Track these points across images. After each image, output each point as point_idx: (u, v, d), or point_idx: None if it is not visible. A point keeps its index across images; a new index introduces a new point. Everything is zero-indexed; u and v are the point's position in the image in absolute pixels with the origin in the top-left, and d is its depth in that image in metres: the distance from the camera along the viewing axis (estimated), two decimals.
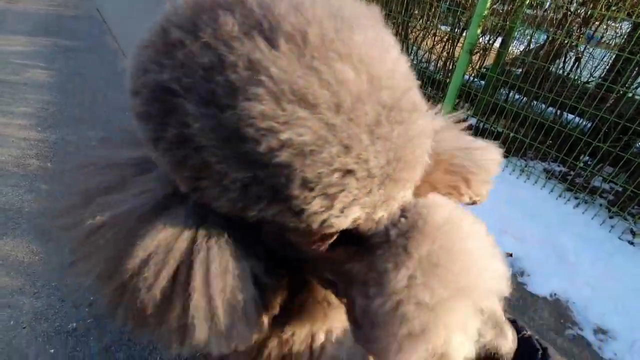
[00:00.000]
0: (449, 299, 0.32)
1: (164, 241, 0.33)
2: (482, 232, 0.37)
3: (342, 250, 0.35)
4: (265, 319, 0.38)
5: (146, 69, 0.30)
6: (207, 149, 0.28)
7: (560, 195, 2.56)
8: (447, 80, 3.46)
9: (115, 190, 0.36)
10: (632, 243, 2.24)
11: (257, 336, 0.38)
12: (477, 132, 3.20)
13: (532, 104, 3.08)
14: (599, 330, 1.78)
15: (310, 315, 0.49)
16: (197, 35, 0.27)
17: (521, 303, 1.87)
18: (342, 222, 0.31)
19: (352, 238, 0.34)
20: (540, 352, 0.43)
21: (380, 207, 0.32)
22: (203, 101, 0.27)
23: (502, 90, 3.28)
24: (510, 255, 2.11)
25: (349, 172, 0.28)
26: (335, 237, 0.34)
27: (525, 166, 2.82)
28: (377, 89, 0.28)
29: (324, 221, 0.30)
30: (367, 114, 0.27)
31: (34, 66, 3.91)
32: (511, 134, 2.96)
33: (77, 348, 1.48)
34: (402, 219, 0.34)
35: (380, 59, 0.29)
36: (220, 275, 0.33)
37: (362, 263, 0.35)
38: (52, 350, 1.46)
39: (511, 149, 2.93)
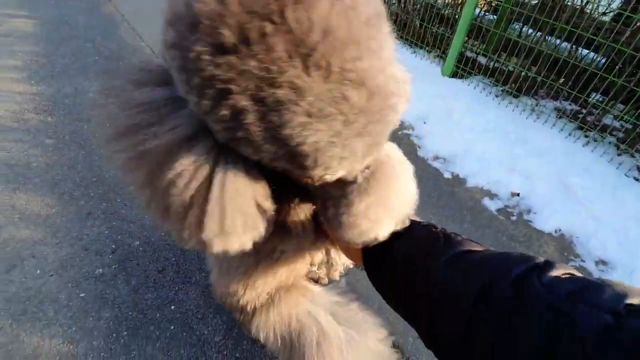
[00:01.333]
0: (384, 217, 0.59)
1: (195, 162, 0.44)
2: (410, 173, 0.66)
3: (328, 184, 0.53)
4: (262, 228, 0.52)
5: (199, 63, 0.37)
6: (250, 125, 0.38)
7: (570, 134, 2.53)
8: (457, 16, 3.25)
9: (155, 125, 0.45)
10: (637, 179, 2.26)
11: (252, 242, 0.52)
12: (487, 71, 3.07)
13: (547, 38, 2.92)
14: (600, 262, 1.86)
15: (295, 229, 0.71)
16: (250, 48, 0.35)
17: (527, 239, 1.94)
18: (333, 177, 0.48)
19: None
20: (442, 239, 0.60)
21: (357, 169, 0.52)
22: (253, 98, 0.36)
23: (515, 24, 3.09)
24: (518, 194, 2.14)
25: (343, 158, 0.43)
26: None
27: (536, 105, 2.76)
28: (370, 101, 0.39)
29: (321, 177, 0.46)
30: (360, 121, 0.40)
31: (16, 15, 3.66)
32: (523, 72, 2.85)
33: (106, 291, 1.56)
34: (367, 169, 0.54)
35: (377, 77, 0.39)
36: (231, 192, 0.46)
37: (339, 191, 0.56)
38: (83, 295, 1.54)
39: (522, 88, 2.84)
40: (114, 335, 1.43)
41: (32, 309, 1.48)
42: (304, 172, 0.44)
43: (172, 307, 1.54)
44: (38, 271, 1.60)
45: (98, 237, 1.75)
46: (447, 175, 2.25)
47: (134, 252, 1.70)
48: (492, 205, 2.09)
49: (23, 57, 3.01)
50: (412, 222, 0.66)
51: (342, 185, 0.54)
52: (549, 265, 0.46)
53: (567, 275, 0.44)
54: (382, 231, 0.59)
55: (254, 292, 0.81)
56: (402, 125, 2.60)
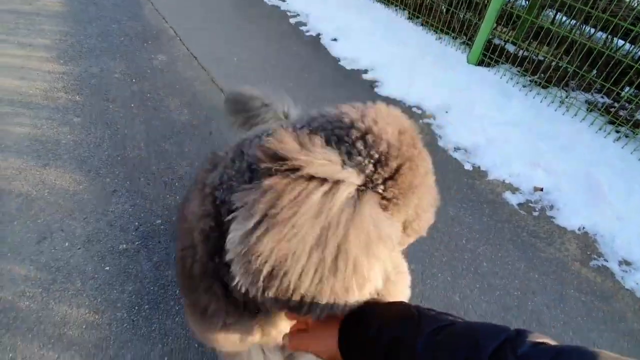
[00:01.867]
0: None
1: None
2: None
3: None
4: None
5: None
6: None
7: (600, 129, 2.43)
8: (486, 1, 3.12)
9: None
10: None
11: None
12: (516, 60, 2.96)
13: (581, 27, 2.77)
14: (624, 262, 1.81)
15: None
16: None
17: (548, 236, 1.90)
18: None
19: None
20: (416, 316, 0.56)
21: None
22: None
23: (548, 11, 2.95)
24: (541, 189, 2.09)
25: None
26: None
27: (566, 97, 2.64)
28: None
29: None
30: None
31: None
32: (554, 62, 2.73)
33: (129, 266, 1.62)
34: None
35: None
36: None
37: None
38: (108, 268, 1.62)
39: (552, 79, 2.72)
40: (136, 308, 1.50)
41: (61, 279, 1.57)
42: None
43: None
44: (66, 244, 1.69)
45: (122, 214, 1.81)
46: (467, 166, 2.20)
47: (156, 230, 1.76)
48: (513, 199, 2.05)
49: (52, 36, 3.09)
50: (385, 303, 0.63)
51: None
52: (520, 335, 0.46)
53: (541, 344, 0.44)
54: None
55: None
56: (422, 115, 2.55)
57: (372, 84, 2.82)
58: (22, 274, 1.57)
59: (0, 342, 1.38)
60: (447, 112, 2.51)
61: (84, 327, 1.44)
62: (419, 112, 2.57)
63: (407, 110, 2.58)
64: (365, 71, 2.95)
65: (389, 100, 2.64)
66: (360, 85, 2.81)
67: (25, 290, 1.52)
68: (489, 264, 1.75)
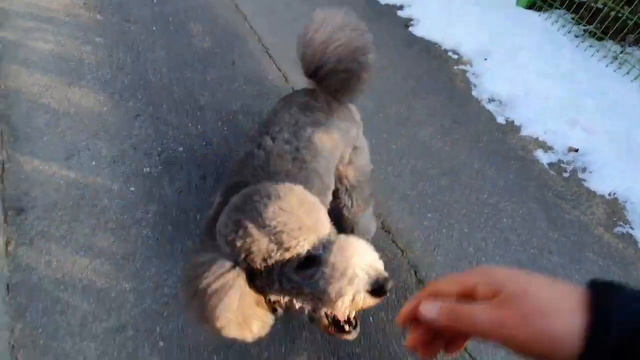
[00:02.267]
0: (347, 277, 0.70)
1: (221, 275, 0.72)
2: (364, 245, 0.75)
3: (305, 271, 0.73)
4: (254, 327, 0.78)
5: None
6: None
7: None
8: None
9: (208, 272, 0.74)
10: None
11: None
12: (572, 5, 2.64)
13: None
14: None
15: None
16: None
17: (575, 198, 1.83)
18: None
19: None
20: None
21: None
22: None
23: None
24: (576, 150, 1.97)
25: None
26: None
27: (621, 52, 2.39)
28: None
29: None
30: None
31: None
32: (614, 11, 2.43)
33: (153, 189, 1.67)
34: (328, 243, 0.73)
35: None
36: (240, 294, 0.73)
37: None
38: (133, 189, 1.67)
39: (609, 30, 2.44)
40: (160, 227, 1.57)
41: (89, 196, 1.63)
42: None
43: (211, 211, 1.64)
44: (93, 162, 1.73)
45: (146, 138, 1.83)
46: (500, 120, 2.08)
47: (178, 157, 1.78)
48: (544, 158, 1.95)
49: None
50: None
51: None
52: None
53: None
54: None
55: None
56: (458, 60, 2.37)
57: (407, 22, 2.59)
58: (53, 188, 1.64)
59: (36, 246, 1.49)
60: (485, 59, 2.32)
61: (112, 240, 1.52)
62: (455, 57, 2.38)
63: (442, 54, 2.40)
64: (401, 7, 2.71)
65: (422, 42, 2.46)
66: (393, 23, 2.59)
67: (57, 201, 1.60)
68: (508, 220, 1.73)
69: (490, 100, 2.16)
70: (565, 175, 1.90)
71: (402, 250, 1.60)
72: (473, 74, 2.27)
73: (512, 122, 2.08)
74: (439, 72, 2.29)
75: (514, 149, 1.97)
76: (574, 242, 1.68)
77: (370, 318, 1.42)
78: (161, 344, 1.32)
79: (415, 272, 1.55)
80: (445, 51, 2.41)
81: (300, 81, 2.16)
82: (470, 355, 1.36)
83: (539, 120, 2.06)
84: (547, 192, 1.83)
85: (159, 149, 1.80)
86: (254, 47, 2.29)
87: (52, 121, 1.84)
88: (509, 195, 1.80)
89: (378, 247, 1.57)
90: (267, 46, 2.30)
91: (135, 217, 1.59)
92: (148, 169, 1.73)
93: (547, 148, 1.99)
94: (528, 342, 0.31)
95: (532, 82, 2.20)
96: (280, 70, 2.18)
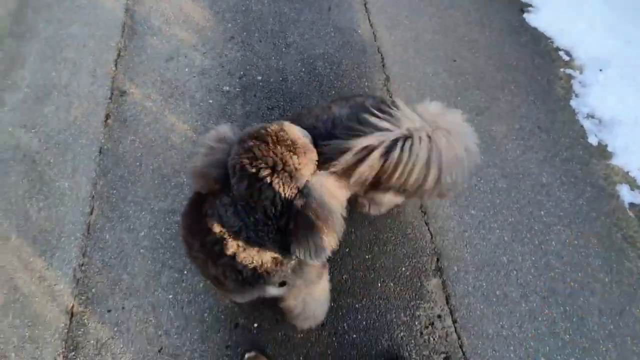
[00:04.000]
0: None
1: None
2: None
3: None
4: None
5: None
6: None
7: None
8: None
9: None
10: None
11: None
12: None
13: None
14: None
15: None
16: None
17: None
18: None
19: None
20: None
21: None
22: None
23: None
24: None
25: None
26: None
27: None
28: None
29: None
30: None
31: None
32: None
33: (227, 106, 1.84)
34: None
35: None
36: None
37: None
38: (211, 101, 1.86)
39: None
40: None
41: (177, 96, 1.86)
42: None
43: None
44: (186, 69, 1.94)
45: (233, 60, 1.98)
46: (592, 139, 1.86)
47: (255, 84, 1.91)
48: (628, 196, 1.73)
49: None
50: None
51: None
52: None
53: None
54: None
55: None
56: (568, 63, 2.10)
57: (523, 6, 2.32)
58: (150, 81, 1.89)
59: (128, 126, 1.76)
60: (601, 69, 2.03)
61: (183, 139, 1.75)
62: (566, 58, 2.11)
63: (551, 51, 2.14)
64: None
65: (534, 33, 2.20)
66: (508, 4, 2.32)
67: (151, 94, 1.86)
68: (557, 245, 1.61)
69: (589, 116, 1.92)
70: None
71: (431, 234, 1.60)
72: (580, 82, 2.02)
73: (605, 146, 1.84)
74: (541, 70, 2.06)
75: (595, 176, 1.78)
76: (625, 293, 1.53)
77: (379, 284, 1.49)
78: None
79: (437, 260, 1.55)
80: (557, 49, 2.15)
81: (388, 42, 2.12)
82: (464, 355, 1.38)
83: (638, 154, 1.80)
84: (615, 232, 1.65)
85: (241, 72, 1.94)
86: None
87: (164, 25, 2.07)
88: (568, 221, 1.66)
89: (407, 222, 1.60)
90: None
91: (207, 126, 1.78)
92: (228, 87, 1.89)
93: (635, 186, 1.75)
94: None
95: None
96: (372, 26, 2.15)
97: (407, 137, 0.93)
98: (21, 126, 1.75)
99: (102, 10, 2.12)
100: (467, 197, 1.69)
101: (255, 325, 1.37)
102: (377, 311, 1.43)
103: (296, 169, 0.74)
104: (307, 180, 0.76)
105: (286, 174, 0.73)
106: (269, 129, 0.78)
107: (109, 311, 1.38)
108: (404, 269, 1.52)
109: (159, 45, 2.01)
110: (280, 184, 0.73)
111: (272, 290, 0.93)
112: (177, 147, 1.72)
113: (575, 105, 1.95)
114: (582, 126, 1.90)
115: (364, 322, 1.41)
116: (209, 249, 0.80)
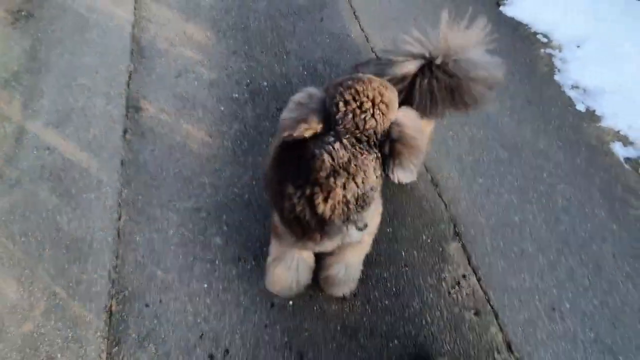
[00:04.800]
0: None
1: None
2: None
3: None
4: None
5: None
6: None
7: None
8: None
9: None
10: None
11: None
12: None
13: None
14: None
15: None
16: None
17: None
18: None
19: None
20: None
21: None
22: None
23: None
24: None
25: None
26: None
27: None
28: None
29: None
30: None
31: None
32: None
33: (238, 111, 1.96)
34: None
35: None
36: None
37: None
38: (222, 108, 1.98)
39: None
40: (238, 142, 1.86)
41: (189, 107, 1.98)
42: None
43: None
44: (195, 83, 2.08)
45: (238, 71, 2.13)
46: (580, 107, 2.00)
47: (262, 90, 2.05)
48: (622, 151, 1.85)
49: None
50: None
51: None
52: None
53: None
54: None
55: None
56: (547, 44, 2.29)
57: (499, 1, 2.55)
58: (163, 97, 2.02)
59: (146, 138, 1.87)
60: (578, 46, 2.21)
61: (200, 144, 1.85)
62: (544, 40, 2.30)
63: (530, 36, 2.33)
64: None
65: (513, 23, 2.41)
66: (483, 1, 2.55)
67: (165, 107, 1.98)
68: (564, 202, 1.71)
69: (574, 87, 2.08)
70: None
71: (445, 204, 1.68)
72: (560, 59, 2.19)
73: (594, 111, 1.99)
74: (522, 52, 2.24)
75: (588, 137, 1.90)
76: (635, 238, 1.61)
77: (403, 253, 1.56)
78: (225, 228, 1.61)
79: (455, 226, 1.63)
80: (535, 33, 2.34)
81: (380, 43, 2.30)
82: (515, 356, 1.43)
83: (626, 115, 1.94)
84: (615, 185, 1.76)
85: (248, 80, 2.08)
86: (342, 8, 2.47)
87: (169, 47, 2.23)
88: (570, 179, 1.77)
89: (421, 196, 1.69)
90: (355, 8, 2.46)
91: (221, 130, 1.89)
92: (236, 94, 2.03)
93: (627, 142, 1.88)
94: None
95: (629, 76, 2.06)
96: (363, 31, 2.34)
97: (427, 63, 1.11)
98: (44, 148, 1.84)
99: (110, 39, 2.28)
100: (473, 168, 1.79)
101: (291, 303, 1.42)
102: (405, 277, 1.49)
103: (390, 101, 0.85)
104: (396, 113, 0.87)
105: (384, 106, 0.83)
106: (358, 75, 0.89)
107: (146, 306, 1.42)
108: (424, 237, 1.59)
109: (167, 64, 2.15)
110: (381, 114, 0.82)
111: (354, 234, 1.01)
112: (194, 152, 1.82)
113: (560, 79, 2.12)
114: (569, 96, 2.05)
115: (394, 289, 1.46)
116: (315, 191, 0.85)
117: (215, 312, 1.40)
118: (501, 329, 1.38)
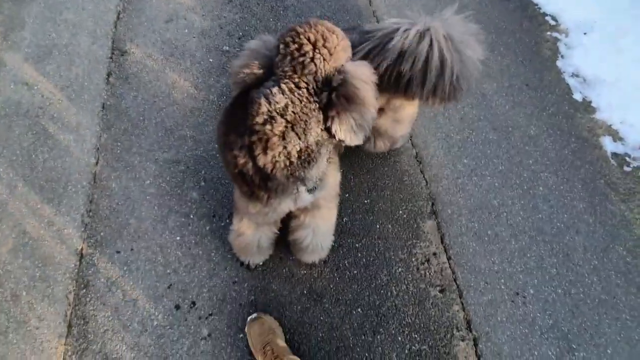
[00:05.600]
0: None
1: None
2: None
3: None
4: None
5: None
6: None
7: None
8: None
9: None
10: None
11: None
12: None
13: None
14: None
15: None
16: None
17: (628, 194, 1.72)
18: None
19: None
20: None
21: None
22: None
23: None
24: None
25: None
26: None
27: None
28: None
29: None
30: None
31: None
32: None
33: (227, 65, 1.88)
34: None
35: None
36: None
37: None
38: (211, 60, 1.90)
39: None
40: (224, 97, 1.79)
41: (177, 55, 1.89)
42: None
43: None
44: (186, 30, 1.98)
45: (231, 22, 2.02)
46: (577, 96, 1.96)
47: None
48: (610, 146, 1.83)
49: None
50: None
51: None
52: None
53: None
54: None
55: None
56: (554, 27, 2.19)
57: None
58: (151, 41, 1.92)
59: (129, 83, 1.80)
60: (585, 33, 2.13)
61: (185, 95, 1.79)
62: (552, 22, 2.21)
63: (538, 16, 2.23)
64: None
65: (523, 1, 2.29)
66: None
67: (152, 53, 1.89)
68: (544, 190, 1.70)
69: (574, 75, 2.02)
70: (627, 169, 1.79)
71: (426, 181, 1.67)
72: (565, 44, 2.11)
73: (590, 102, 1.94)
74: (528, 33, 2.15)
75: (580, 128, 1.87)
76: (608, 232, 1.63)
77: (377, 226, 1.56)
78: (202, 183, 1.59)
79: (432, 204, 1.63)
80: (544, 14, 2.24)
81: (382, 5, 2.18)
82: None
83: (620, 108, 1.90)
84: (598, 179, 1.75)
85: (240, 33, 1.99)
86: None
87: None
88: (555, 169, 1.76)
89: (403, 170, 1.67)
90: None
91: (208, 83, 1.82)
92: (227, 47, 1.94)
93: (617, 138, 1.86)
94: None
95: (629, 69, 2.00)
96: None
97: (425, 30, 1.05)
98: (23, 83, 1.77)
99: None
100: (459, 148, 1.77)
101: (260, 263, 1.43)
102: (376, 249, 1.50)
103: (335, 47, 0.79)
104: (343, 64, 0.81)
105: (326, 51, 0.77)
106: (309, 19, 0.83)
107: (117, 252, 1.43)
108: (401, 212, 1.59)
109: (158, 7, 2.04)
110: (321, 59, 0.77)
111: (305, 196, 0.97)
112: (179, 103, 1.77)
113: (561, 65, 2.05)
114: (567, 84, 1.99)
115: (364, 260, 1.48)
116: (253, 139, 0.81)
117: (186, 264, 1.42)
118: (463, 308, 1.42)
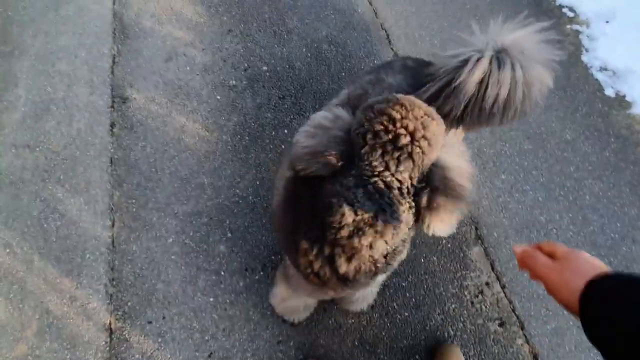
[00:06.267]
0: None
1: None
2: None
3: None
4: None
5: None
6: None
7: None
8: None
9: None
10: None
11: None
12: None
13: None
14: None
15: None
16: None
17: None
18: None
19: None
20: None
21: None
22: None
23: None
24: None
25: None
26: None
27: None
28: None
29: None
30: None
31: None
32: None
33: (236, 100, 1.78)
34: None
35: None
36: None
37: None
38: (219, 97, 1.79)
39: None
40: (239, 136, 1.69)
41: (182, 96, 1.78)
42: None
43: (285, 130, 1.72)
44: (187, 68, 1.87)
45: (234, 53, 1.91)
46: (609, 92, 1.84)
47: (262, 75, 1.85)
48: None
49: None
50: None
51: None
52: None
53: None
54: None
55: None
56: (573, 19, 2.08)
57: None
58: (152, 84, 1.81)
59: (136, 132, 1.69)
60: (607, 21, 2.02)
61: (196, 138, 1.68)
62: (570, 14, 2.10)
63: (554, 9, 2.12)
64: None
65: None
66: None
67: (155, 97, 1.78)
68: (592, 199, 1.59)
69: (602, 69, 1.91)
70: None
71: None
72: (587, 36, 2.00)
73: (624, 96, 1.83)
74: (546, 29, 2.04)
75: (618, 126, 1.76)
76: None
77: (422, 260, 1.45)
78: (229, 234, 1.48)
79: (476, 228, 1.52)
80: (560, 7, 2.13)
81: (390, 17, 2.07)
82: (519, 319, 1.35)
83: None
84: None
85: (246, 64, 1.88)
86: None
87: (156, 25, 1.99)
88: (598, 174, 1.65)
89: None
90: None
91: (218, 123, 1.72)
92: (234, 81, 1.83)
93: None
94: (558, 288, 0.51)
95: None
96: (371, 4, 2.10)
97: (499, 52, 0.93)
98: (24, 146, 1.66)
99: (89, 17, 2.02)
100: (494, 163, 1.66)
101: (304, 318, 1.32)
102: (425, 286, 1.39)
103: (435, 136, 0.64)
104: (438, 155, 0.66)
105: (426, 143, 0.62)
106: (397, 95, 0.67)
107: (149, 322, 1.32)
108: (444, 241, 1.48)
109: (154, 46, 1.93)
110: (420, 153, 0.62)
111: (379, 279, 0.85)
112: (191, 148, 1.66)
113: (587, 60, 1.94)
114: (596, 79, 1.88)
115: (414, 300, 1.37)
116: (336, 252, 0.68)
117: (224, 328, 1.31)
118: (527, 341, 1.31)
